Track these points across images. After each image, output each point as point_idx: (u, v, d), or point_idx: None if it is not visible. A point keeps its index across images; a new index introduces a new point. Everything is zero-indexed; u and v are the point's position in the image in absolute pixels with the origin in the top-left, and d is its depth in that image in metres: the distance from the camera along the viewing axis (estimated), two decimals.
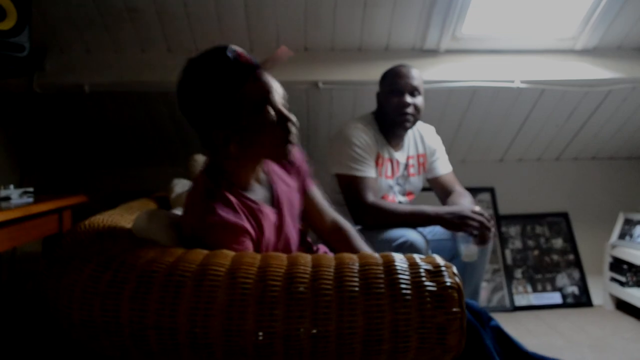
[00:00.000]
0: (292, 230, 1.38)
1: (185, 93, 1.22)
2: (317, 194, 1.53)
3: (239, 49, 1.20)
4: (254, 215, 1.24)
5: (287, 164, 1.41)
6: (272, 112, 1.21)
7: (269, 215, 1.29)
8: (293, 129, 1.24)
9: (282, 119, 1.22)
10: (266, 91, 1.20)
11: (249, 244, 1.21)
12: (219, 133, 1.20)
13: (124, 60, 2.48)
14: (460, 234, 1.80)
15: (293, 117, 1.24)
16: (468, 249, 1.79)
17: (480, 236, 1.77)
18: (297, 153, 1.41)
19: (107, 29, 2.37)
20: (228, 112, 1.19)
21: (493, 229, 1.80)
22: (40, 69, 2.40)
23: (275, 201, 1.33)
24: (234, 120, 1.19)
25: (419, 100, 1.98)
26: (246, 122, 1.20)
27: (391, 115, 1.99)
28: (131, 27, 2.37)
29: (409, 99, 1.95)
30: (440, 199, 2.17)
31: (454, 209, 1.82)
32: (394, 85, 1.98)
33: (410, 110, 1.96)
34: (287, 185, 1.40)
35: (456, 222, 1.77)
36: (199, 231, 1.21)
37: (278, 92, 1.23)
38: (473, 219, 1.76)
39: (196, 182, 1.30)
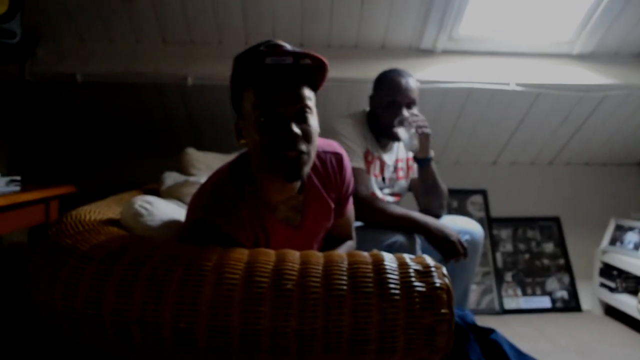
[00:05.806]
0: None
1: None
2: (348, 219, 1.51)
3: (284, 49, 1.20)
4: (262, 225, 1.24)
5: (333, 178, 1.36)
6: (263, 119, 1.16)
7: (280, 231, 1.27)
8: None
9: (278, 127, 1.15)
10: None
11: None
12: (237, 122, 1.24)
13: (118, 50, 2.45)
14: (405, 128, 1.87)
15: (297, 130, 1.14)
16: (410, 140, 1.87)
17: (451, 255, 1.75)
18: (347, 175, 1.40)
19: (101, 18, 2.34)
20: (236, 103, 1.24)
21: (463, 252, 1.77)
22: (32, 56, 2.36)
23: (300, 222, 1.32)
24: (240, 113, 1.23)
25: (414, 111, 1.94)
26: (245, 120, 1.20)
27: (385, 126, 1.95)
28: (125, 17, 2.34)
29: (405, 113, 1.91)
30: (417, 197, 2.13)
31: (444, 228, 1.77)
32: (391, 98, 1.92)
33: None
34: (321, 206, 1.35)
35: (441, 241, 1.74)
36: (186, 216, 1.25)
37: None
38: (457, 249, 1.73)
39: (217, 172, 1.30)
